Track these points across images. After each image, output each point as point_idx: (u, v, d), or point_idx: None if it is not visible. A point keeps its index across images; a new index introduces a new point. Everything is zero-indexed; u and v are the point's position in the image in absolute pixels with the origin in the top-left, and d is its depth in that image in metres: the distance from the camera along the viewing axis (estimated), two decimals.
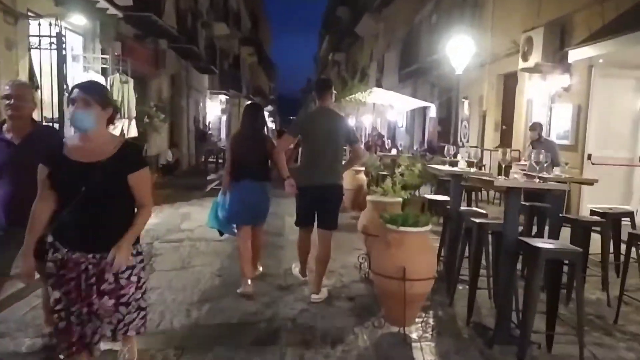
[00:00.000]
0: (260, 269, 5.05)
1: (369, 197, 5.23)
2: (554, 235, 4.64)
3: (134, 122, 8.81)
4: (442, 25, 13.47)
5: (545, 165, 3.85)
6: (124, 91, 8.61)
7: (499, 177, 3.70)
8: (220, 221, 4.55)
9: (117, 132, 8.50)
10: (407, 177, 6.13)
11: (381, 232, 3.82)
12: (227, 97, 26.26)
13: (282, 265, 5.37)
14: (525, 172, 4.12)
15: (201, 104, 21.31)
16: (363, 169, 9.02)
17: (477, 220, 4.01)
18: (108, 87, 8.47)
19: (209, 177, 14.87)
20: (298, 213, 4.36)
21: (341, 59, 38.10)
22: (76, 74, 8.40)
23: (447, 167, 5.17)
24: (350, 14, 32.79)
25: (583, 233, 4.50)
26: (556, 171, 4.18)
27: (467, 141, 13.33)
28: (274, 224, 7.77)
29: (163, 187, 11.90)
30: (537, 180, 3.59)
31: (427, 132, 17.55)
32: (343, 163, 4.53)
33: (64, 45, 6.45)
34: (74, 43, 8.35)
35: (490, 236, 3.96)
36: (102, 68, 8.64)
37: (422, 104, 12.57)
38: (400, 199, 5.07)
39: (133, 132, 8.84)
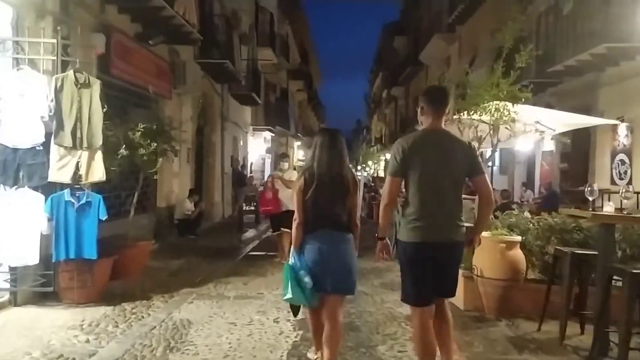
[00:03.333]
0: None
1: None
2: None
3: (99, 155, 4.98)
4: (585, 12, 9.14)
5: None
6: (82, 101, 4.86)
7: None
8: (307, 291, 3.15)
9: (67, 173, 4.70)
10: None
11: None
12: (273, 135, 22.75)
13: None
14: None
15: (241, 142, 17.75)
16: (518, 239, 4.72)
17: None
18: (52, 92, 4.75)
19: (244, 236, 10.90)
20: (410, 284, 2.95)
21: (399, 93, 34.46)
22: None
23: None
24: (409, 43, 29.36)
25: None
26: None
27: (630, 184, 8.71)
28: None
29: (174, 255, 7.98)
30: None
31: (539, 172, 12.99)
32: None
33: None
34: None
35: None
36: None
37: (601, 121, 7.73)
38: None
39: (97, 173, 4.99)
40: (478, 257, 4.70)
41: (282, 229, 7.18)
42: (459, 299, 5.03)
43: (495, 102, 4.94)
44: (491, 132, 5.17)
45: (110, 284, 5.51)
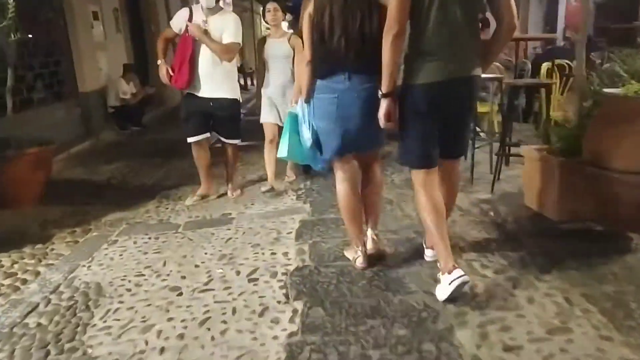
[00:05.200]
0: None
1: None
2: None
3: None
4: None
5: None
6: None
7: None
8: (305, 149, 2.58)
9: None
10: None
11: None
12: None
13: None
14: None
15: (194, 4, 14.49)
16: None
17: None
18: None
19: None
20: (414, 139, 2.31)
21: None
22: None
23: None
24: None
25: None
26: None
27: None
28: None
29: (106, 158, 5.82)
30: None
31: (564, 10, 10.52)
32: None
33: None
34: None
35: None
36: None
37: None
38: None
39: None
40: (595, 136, 2.66)
41: (202, 134, 3.93)
42: (548, 204, 3.10)
43: None
44: None
45: None
